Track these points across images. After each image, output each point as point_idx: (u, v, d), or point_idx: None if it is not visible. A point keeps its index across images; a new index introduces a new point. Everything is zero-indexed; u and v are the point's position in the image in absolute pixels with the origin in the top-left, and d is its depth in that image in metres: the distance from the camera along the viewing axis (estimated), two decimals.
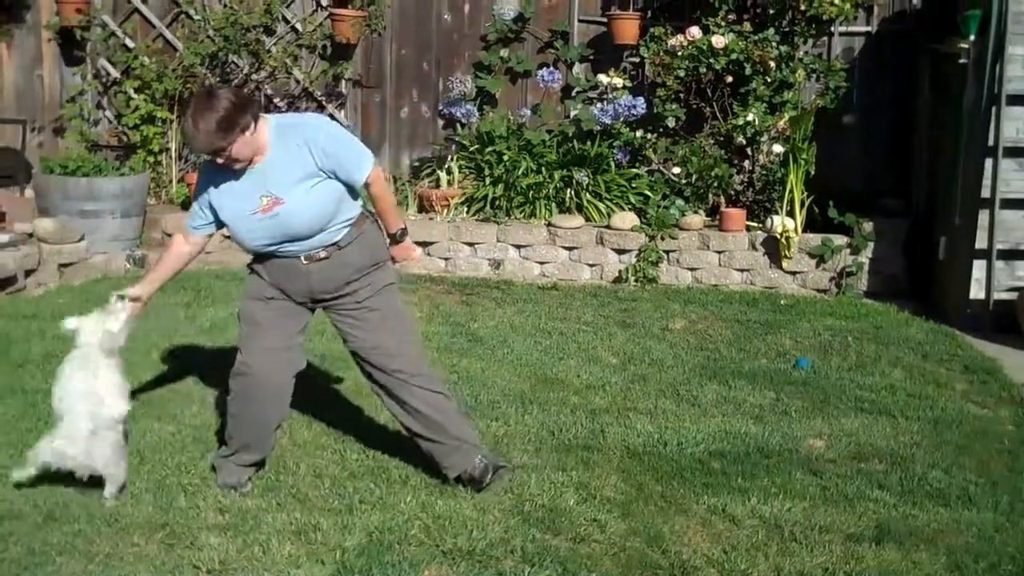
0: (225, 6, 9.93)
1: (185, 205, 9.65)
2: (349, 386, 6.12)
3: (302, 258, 4.62)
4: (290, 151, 4.50)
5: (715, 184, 9.10)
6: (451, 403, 4.92)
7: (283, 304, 4.75)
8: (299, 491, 4.75)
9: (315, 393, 6.00)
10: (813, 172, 8.83)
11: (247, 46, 9.80)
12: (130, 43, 10.03)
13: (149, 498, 4.64)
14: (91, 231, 8.77)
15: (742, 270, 8.85)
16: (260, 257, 4.72)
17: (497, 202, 9.24)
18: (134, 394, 5.90)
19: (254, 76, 10.04)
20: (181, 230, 4.93)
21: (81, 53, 10.13)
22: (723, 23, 9.05)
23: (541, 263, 9.04)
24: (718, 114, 9.20)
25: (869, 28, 9.44)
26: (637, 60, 9.59)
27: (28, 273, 8.14)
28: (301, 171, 4.50)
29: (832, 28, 9.36)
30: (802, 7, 9.02)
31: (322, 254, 4.62)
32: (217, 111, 4.30)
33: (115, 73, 10.10)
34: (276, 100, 10.12)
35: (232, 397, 4.83)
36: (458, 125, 9.79)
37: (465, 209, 9.36)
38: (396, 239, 4.95)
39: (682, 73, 9.07)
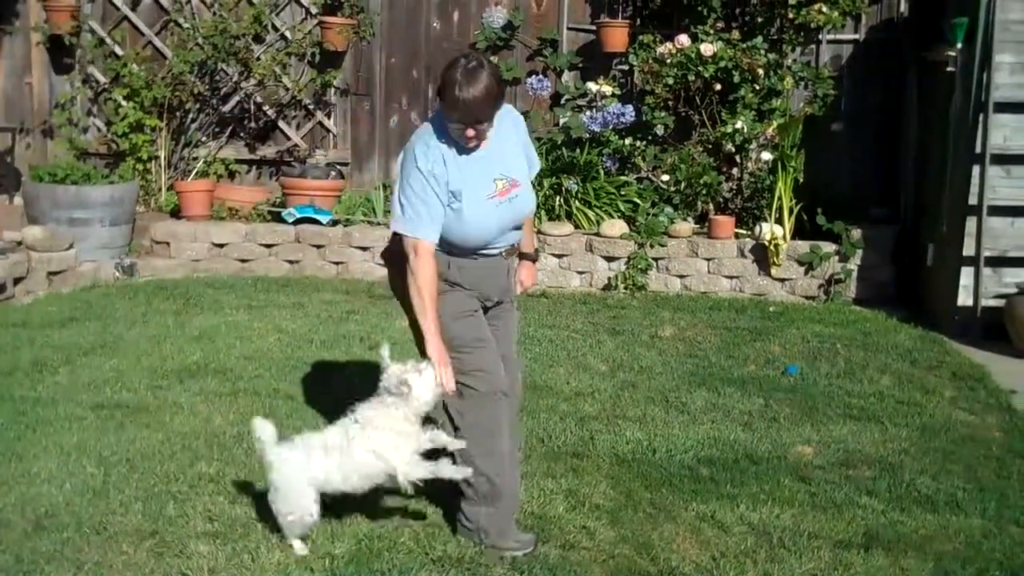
0: (214, 14, 9.93)
1: (174, 213, 9.65)
2: (339, 394, 6.10)
3: (503, 253, 4.42)
4: (508, 133, 4.35)
5: (704, 191, 9.13)
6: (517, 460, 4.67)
7: (481, 314, 4.45)
8: None
9: (305, 400, 6.00)
10: (801, 179, 8.87)
11: (236, 54, 9.81)
12: (119, 51, 10.03)
13: (138, 506, 4.62)
14: (80, 239, 8.76)
15: (731, 277, 8.88)
16: (457, 263, 4.30)
17: None
18: (128, 405, 5.91)
19: (243, 84, 10.05)
20: (417, 244, 4.16)
21: (70, 60, 10.13)
22: (712, 31, 9.09)
23: None
24: (707, 122, 9.22)
25: (857, 36, 9.50)
26: (626, 68, 9.63)
27: (17, 281, 8.12)
28: (521, 154, 4.42)
29: (820, 36, 9.42)
30: (790, 15, 9.08)
31: (512, 248, 4.47)
32: (490, 80, 4.07)
33: (104, 80, 10.10)
34: (265, 108, 10.13)
35: (482, 434, 4.27)
36: None
37: None
38: (532, 259, 4.82)
39: (671, 81, 9.10)
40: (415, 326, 4.32)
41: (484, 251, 4.35)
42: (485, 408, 4.30)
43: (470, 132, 4.14)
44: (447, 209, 4.18)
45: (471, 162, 4.22)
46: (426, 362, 4.21)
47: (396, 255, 4.37)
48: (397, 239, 4.33)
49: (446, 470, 4.22)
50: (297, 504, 4.22)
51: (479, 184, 4.22)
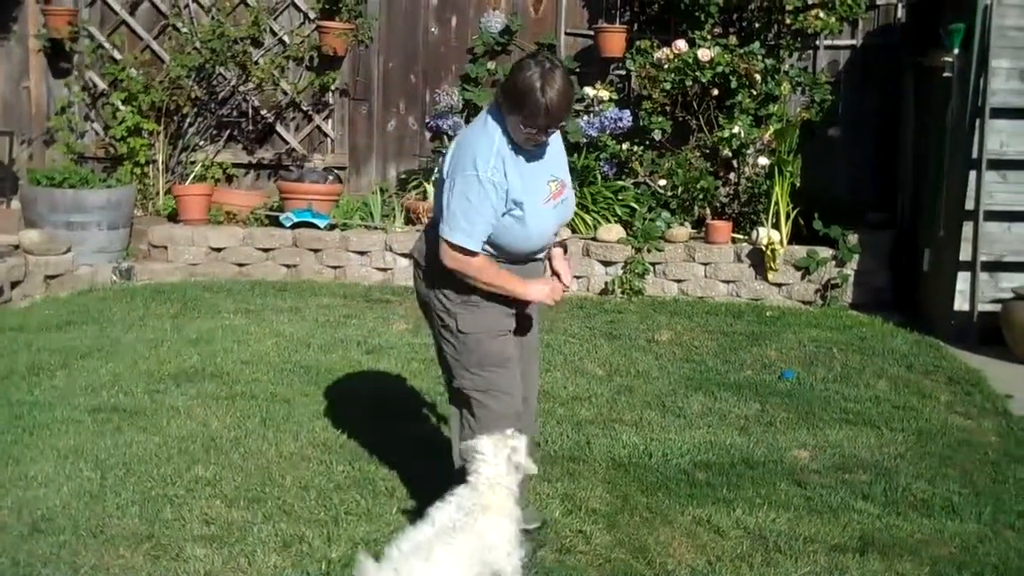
0: (212, 18, 9.94)
1: (172, 217, 9.65)
2: (335, 398, 6.12)
3: (543, 256, 4.35)
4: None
5: (701, 196, 9.14)
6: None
7: (512, 334, 4.35)
8: (285, 502, 4.75)
9: (301, 405, 6.00)
10: (798, 184, 8.88)
11: (234, 58, 9.82)
12: (117, 55, 10.04)
13: (135, 510, 4.63)
14: (77, 243, 8.76)
15: (728, 282, 8.88)
16: (507, 269, 4.18)
17: None
18: (125, 409, 5.91)
19: (241, 88, 10.05)
20: (468, 256, 4.05)
21: (68, 65, 10.14)
22: (709, 36, 9.11)
23: None
24: (704, 127, 9.24)
25: (854, 42, 9.51)
26: (623, 73, 9.63)
27: (14, 285, 8.12)
28: (563, 153, 4.30)
29: (817, 41, 9.43)
30: (787, 21, 9.09)
31: (546, 251, 4.41)
32: (566, 80, 3.90)
33: (102, 85, 10.10)
34: (263, 112, 10.13)
35: None
36: (445, 138, 9.81)
37: None
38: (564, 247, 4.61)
39: (668, 86, 9.11)
40: (442, 352, 4.32)
41: (534, 257, 4.30)
42: (498, 428, 4.21)
43: (542, 136, 4.00)
44: (507, 217, 4.05)
45: (529, 167, 4.08)
46: (508, 432, 3.96)
47: (419, 253, 4.32)
48: (425, 238, 4.28)
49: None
50: None
51: (537, 190, 4.10)
